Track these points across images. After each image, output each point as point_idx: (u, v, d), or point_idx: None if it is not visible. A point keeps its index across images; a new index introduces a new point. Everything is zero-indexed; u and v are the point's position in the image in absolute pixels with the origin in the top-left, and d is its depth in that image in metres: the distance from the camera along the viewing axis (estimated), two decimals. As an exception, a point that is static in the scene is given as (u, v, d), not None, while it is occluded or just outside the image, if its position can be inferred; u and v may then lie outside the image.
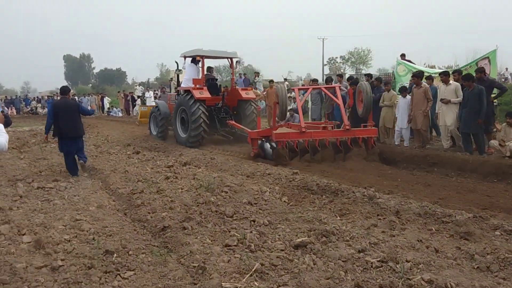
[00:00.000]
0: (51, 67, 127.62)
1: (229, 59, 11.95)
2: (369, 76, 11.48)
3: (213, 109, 11.11)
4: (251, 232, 4.08)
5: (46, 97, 31.87)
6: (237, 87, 16.16)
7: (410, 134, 9.08)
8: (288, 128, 9.11)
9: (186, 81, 11.31)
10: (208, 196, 5.40)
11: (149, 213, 4.87)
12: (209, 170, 7.26)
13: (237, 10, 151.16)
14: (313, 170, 7.01)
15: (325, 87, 10.80)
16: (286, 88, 16.72)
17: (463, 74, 8.13)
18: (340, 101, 8.98)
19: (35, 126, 18.80)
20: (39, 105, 30.63)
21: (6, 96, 34.46)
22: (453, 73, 8.59)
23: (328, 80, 11.15)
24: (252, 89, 12.71)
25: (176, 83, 12.88)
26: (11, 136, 13.81)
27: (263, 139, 8.66)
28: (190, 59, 11.58)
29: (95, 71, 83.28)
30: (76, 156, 7.30)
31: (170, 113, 11.82)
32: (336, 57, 55.17)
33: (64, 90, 7.71)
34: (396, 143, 9.10)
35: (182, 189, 5.90)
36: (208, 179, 6.22)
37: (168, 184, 6.21)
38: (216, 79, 12.46)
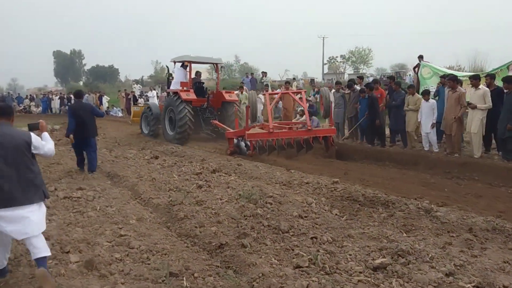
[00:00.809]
0: (40, 64, 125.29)
1: (214, 65, 13.27)
2: (391, 78, 11.33)
3: (199, 109, 12.15)
4: (317, 250, 3.81)
5: (41, 95, 31.06)
6: (244, 87, 15.98)
7: (438, 138, 8.91)
8: (261, 128, 9.85)
9: (174, 84, 12.37)
10: (252, 208, 5.12)
11: (196, 227, 4.56)
12: (241, 178, 6.95)
13: (235, 7, 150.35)
14: (351, 178, 6.77)
15: (293, 92, 12.12)
16: (296, 89, 16.52)
17: (503, 77, 7.95)
18: (304, 105, 10.08)
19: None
20: (33, 103, 29.76)
21: (4, 93, 33.41)
22: (485, 76, 8.43)
23: (351, 84, 10.87)
24: (234, 92, 13.74)
25: (166, 86, 13.92)
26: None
27: (239, 138, 9.76)
28: (180, 63, 12.62)
29: (86, 67, 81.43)
30: (85, 154, 7.62)
31: (161, 113, 12.62)
32: (336, 56, 55.00)
33: (79, 94, 8.06)
34: (425, 148, 8.89)
35: (221, 199, 5.60)
36: (246, 189, 5.94)
37: (204, 193, 5.90)
38: (203, 83, 13.46)
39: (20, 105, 29.99)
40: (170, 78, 13.18)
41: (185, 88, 11.68)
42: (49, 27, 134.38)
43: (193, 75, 12.91)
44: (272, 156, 9.00)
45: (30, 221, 3.26)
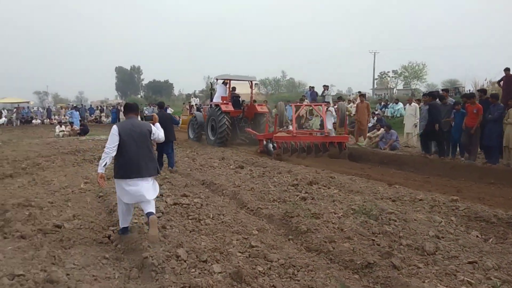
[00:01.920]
0: (104, 78, 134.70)
1: (249, 82, 15.23)
2: (482, 92, 10.48)
3: (235, 119, 14.37)
4: (488, 278, 3.34)
5: (111, 107, 32.86)
6: (306, 100, 15.91)
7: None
8: (286, 133, 11.65)
9: (216, 98, 14.92)
10: (375, 224, 4.74)
11: (325, 242, 4.25)
12: (342, 191, 6.57)
13: (282, 23, 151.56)
14: (467, 196, 6.17)
15: (315, 104, 13.99)
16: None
17: None
18: (324, 116, 11.82)
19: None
20: (103, 114, 31.47)
21: (72, 105, 35.94)
22: None
23: (443, 96, 10.17)
24: (265, 105, 15.93)
25: (210, 99, 16.50)
26: (98, 145, 13.89)
27: (268, 140, 11.55)
28: (221, 80, 15.18)
29: (143, 82, 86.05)
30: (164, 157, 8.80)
31: (204, 121, 15.00)
32: (388, 71, 53.40)
33: (161, 105, 9.73)
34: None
35: (335, 213, 5.27)
36: (359, 204, 5.57)
37: (312, 206, 5.58)
38: (239, 96, 15.37)
39: (92, 115, 31.80)
40: (213, 92, 15.69)
41: (224, 101, 14.07)
42: (112, 45, 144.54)
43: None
44: (295, 157, 10.77)
45: (149, 189, 4.39)
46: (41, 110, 34.34)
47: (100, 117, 30.89)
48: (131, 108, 4.68)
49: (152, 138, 4.55)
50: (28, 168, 9.31)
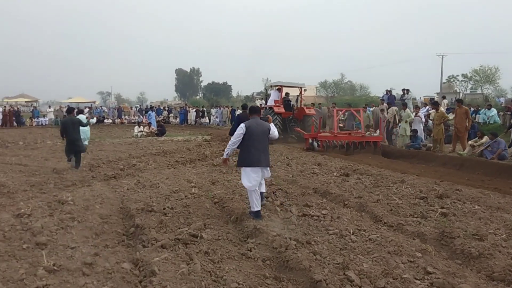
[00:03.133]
0: (163, 80, 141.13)
1: (299, 88, 17.53)
2: None
3: (286, 120, 16.75)
4: None
5: (179, 107, 33.96)
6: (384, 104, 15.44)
7: None
8: (329, 133, 14.18)
9: (270, 101, 17.36)
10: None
11: (510, 270, 3.66)
12: (482, 207, 5.86)
13: (339, 26, 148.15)
14: None
15: (354, 110, 16.20)
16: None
17: None
18: (361, 119, 14.25)
19: (187, 136, 19.64)
20: (171, 115, 32.55)
21: (140, 105, 37.57)
22: None
23: None
24: (313, 108, 18.39)
25: (265, 102, 19.11)
26: (181, 146, 14.22)
27: (313, 139, 13.53)
28: (275, 87, 17.64)
29: (202, 84, 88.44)
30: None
31: None
32: (457, 75, 49.97)
33: (245, 107, 10.07)
34: None
35: (495, 234, 4.65)
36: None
37: (462, 224, 5.00)
38: (290, 100, 17.74)
39: (159, 116, 32.82)
40: (267, 97, 18.23)
41: (277, 105, 16.57)
42: (174, 47, 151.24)
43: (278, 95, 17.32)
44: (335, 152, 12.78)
45: (266, 174, 5.51)
46: (113, 110, 36.03)
47: (168, 117, 31.85)
48: (254, 110, 5.59)
49: (270, 135, 5.40)
50: (126, 169, 9.56)
